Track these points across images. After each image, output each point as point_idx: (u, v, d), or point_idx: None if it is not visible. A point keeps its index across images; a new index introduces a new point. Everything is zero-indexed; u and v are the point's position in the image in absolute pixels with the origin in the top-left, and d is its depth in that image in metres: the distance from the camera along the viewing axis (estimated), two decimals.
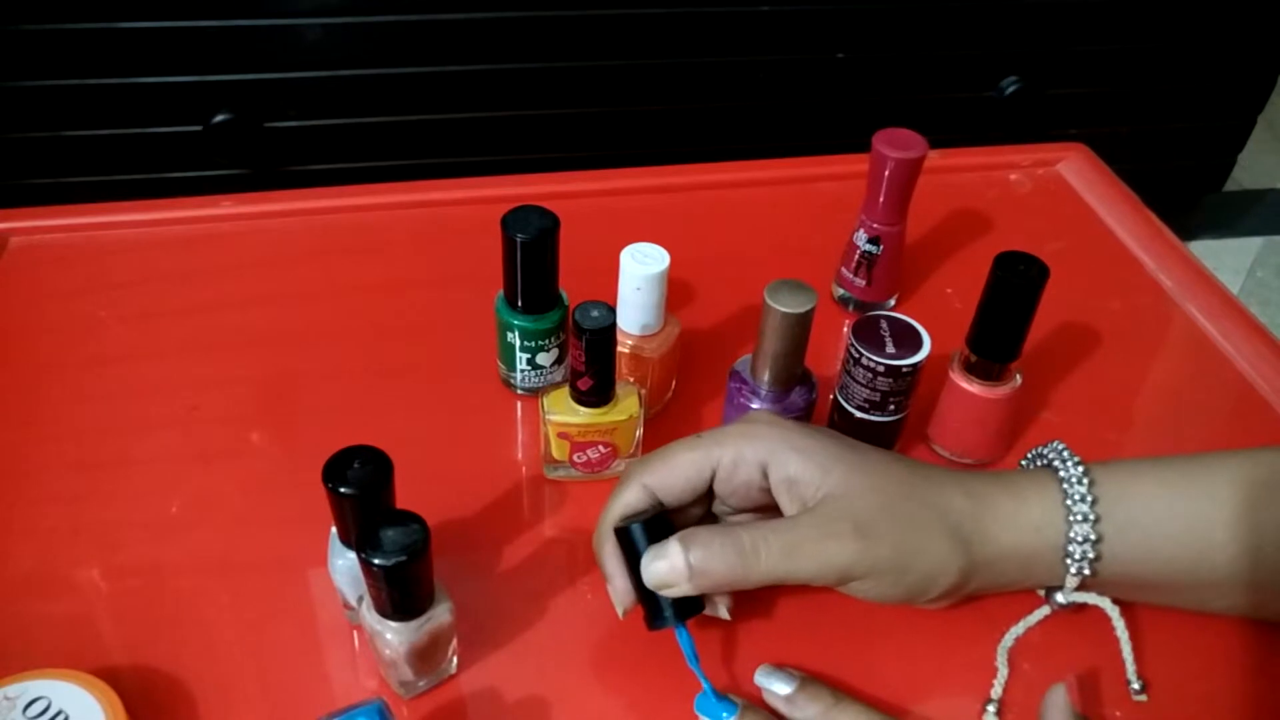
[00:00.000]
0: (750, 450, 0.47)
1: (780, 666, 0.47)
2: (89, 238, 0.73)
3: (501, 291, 0.59)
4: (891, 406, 0.56)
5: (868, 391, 0.55)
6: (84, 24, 1.20)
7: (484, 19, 1.29)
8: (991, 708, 0.48)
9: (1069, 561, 0.47)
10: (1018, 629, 0.50)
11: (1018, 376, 0.57)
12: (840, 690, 0.46)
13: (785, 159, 0.84)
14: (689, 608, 0.47)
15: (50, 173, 1.32)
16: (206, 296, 0.69)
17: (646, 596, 0.47)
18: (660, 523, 0.47)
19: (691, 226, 0.77)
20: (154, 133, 1.31)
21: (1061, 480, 0.48)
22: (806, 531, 0.46)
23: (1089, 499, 0.47)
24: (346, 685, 0.48)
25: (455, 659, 0.48)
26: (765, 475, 0.47)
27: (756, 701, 0.47)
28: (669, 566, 0.45)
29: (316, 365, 0.65)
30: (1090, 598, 0.49)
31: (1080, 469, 0.48)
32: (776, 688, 0.46)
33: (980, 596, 0.50)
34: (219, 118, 1.29)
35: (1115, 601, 0.49)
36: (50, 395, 0.61)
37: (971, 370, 0.57)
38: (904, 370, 0.54)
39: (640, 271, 0.56)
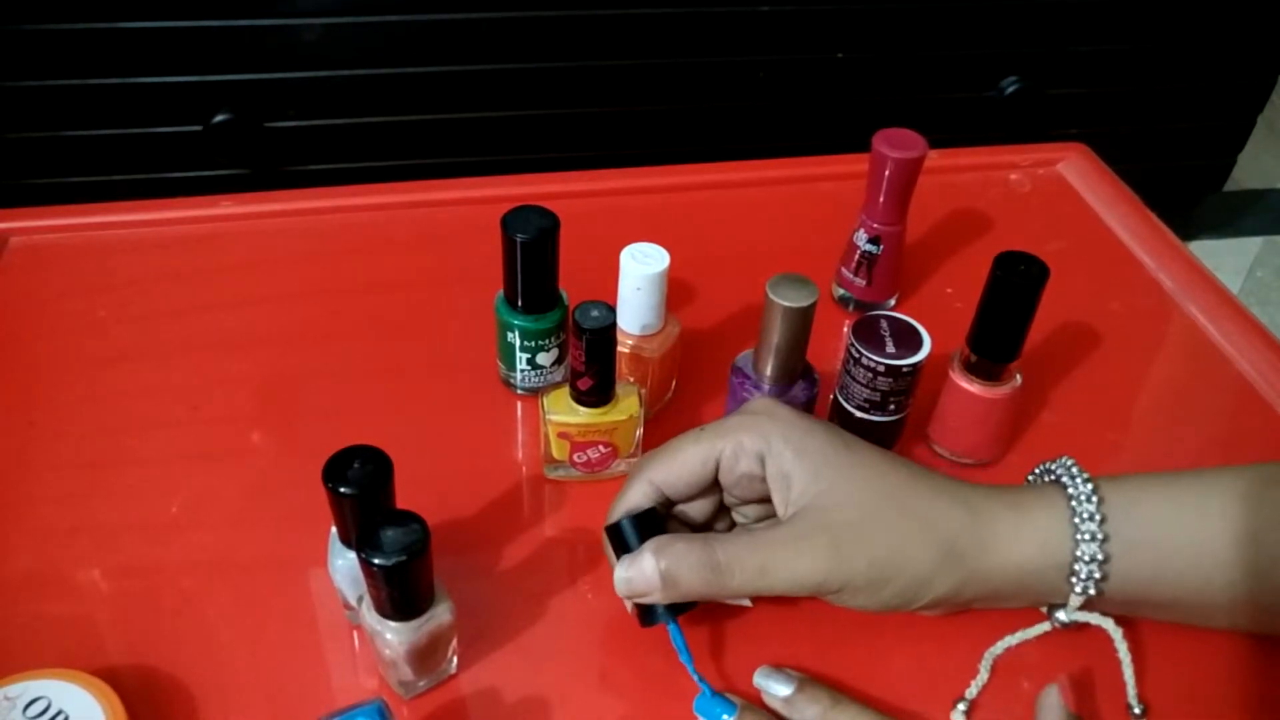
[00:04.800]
0: (749, 441, 0.47)
1: (779, 667, 0.47)
2: (89, 238, 0.73)
3: (501, 291, 0.59)
4: (892, 406, 0.56)
5: (868, 391, 0.55)
6: (84, 24, 1.20)
7: (484, 19, 1.29)
8: (962, 705, 0.48)
9: (1074, 580, 0.46)
10: (1011, 639, 0.50)
11: (1018, 376, 0.57)
12: (839, 691, 0.46)
13: (785, 159, 0.83)
14: (682, 604, 0.47)
15: (50, 173, 1.32)
16: (206, 296, 0.69)
17: None
18: (651, 519, 0.47)
19: (691, 226, 0.77)
20: (154, 133, 1.30)
21: (1070, 498, 0.47)
22: (781, 548, 0.46)
23: (1097, 518, 0.46)
24: (346, 685, 0.48)
25: (455, 659, 0.48)
26: (763, 466, 0.48)
27: (755, 702, 0.47)
28: (640, 575, 0.45)
29: (316, 365, 0.65)
30: (1093, 618, 0.48)
31: (1089, 486, 0.47)
32: (775, 689, 0.46)
33: (983, 608, 0.50)
34: (219, 118, 1.29)
35: (1118, 623, 0.48)
36: (50, 395, 0.61)
37: (972, 370, 0.57)
38: (904, 370, 0.54)
39: (640, 271, 0.56)
